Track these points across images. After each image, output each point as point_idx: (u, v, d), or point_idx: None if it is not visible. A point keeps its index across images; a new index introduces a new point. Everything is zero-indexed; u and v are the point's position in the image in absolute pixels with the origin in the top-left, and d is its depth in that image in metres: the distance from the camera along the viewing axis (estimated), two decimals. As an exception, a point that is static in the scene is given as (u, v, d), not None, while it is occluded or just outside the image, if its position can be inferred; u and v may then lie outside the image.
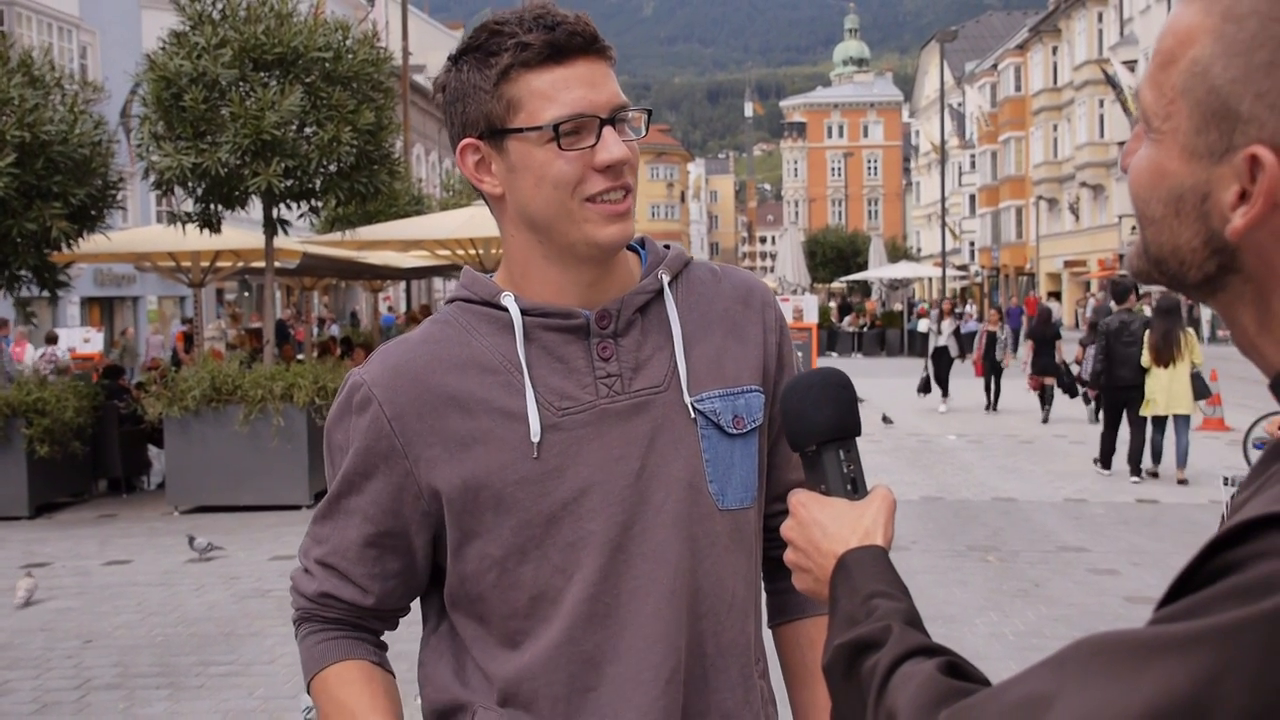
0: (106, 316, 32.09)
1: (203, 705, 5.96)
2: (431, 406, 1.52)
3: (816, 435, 1.30)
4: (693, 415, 1.56)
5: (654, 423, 1.55)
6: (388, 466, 1.54)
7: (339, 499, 1.59)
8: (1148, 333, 12.03)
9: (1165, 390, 11.86)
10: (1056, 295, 53.44)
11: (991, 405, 19.39)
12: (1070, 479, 12.64)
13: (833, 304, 45.45)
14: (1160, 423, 12.30)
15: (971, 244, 74.61)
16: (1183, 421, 12.08)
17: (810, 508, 1.25)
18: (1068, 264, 58.21)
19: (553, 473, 1.51)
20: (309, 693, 1.63)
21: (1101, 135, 53.87)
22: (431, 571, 1.63)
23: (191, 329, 22.59)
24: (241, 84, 11.13)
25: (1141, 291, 20.61)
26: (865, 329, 37.73)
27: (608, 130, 1.47)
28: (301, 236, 17.31)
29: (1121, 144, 39.69)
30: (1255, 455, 12.06)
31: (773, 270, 30.99)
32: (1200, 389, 12.22)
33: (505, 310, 1.55)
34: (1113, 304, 13.58)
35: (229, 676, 6.39)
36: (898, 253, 64.69)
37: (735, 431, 1.59)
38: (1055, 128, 60.39)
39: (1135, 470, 12.44)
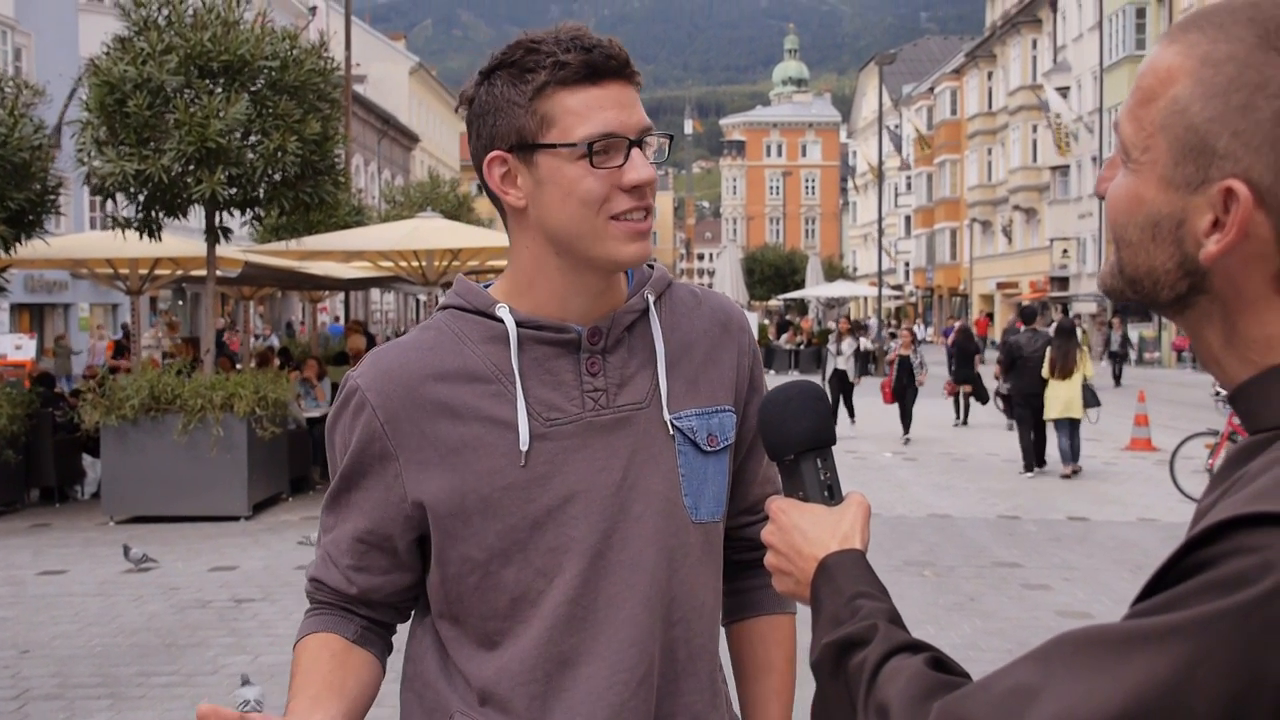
0: (37, 323, 31.55)
1: (144, 716, 5.92)
2: (423, 411, 1.58)
3: (795, 445, 1.37)
4: (671, 432, 1.64)
5: (635, 437, 1.61)
6: (380, 468, 1.60)
7: (339, 494, 1.66)
8: (1049, 349, 14.16)
9: (1063, 399, 13.94)
10: (990, 316, 54.18)
11: (907, 432, 18.13)
12: (1004, 496, 12.86)
13: (767, 321, 45.69)
14: (1056, 425, 14.25)
15: (907, 264, 75.45)
16: (1076, 424, 14.17)
17: (790, 514, 1.30)
18: (1000, 285, 59.02)
19: (539, 480, 1.57)
20: None
21: (1035, 160, 54.74)
22: (420, 575, 1.69)
23: (127, 339, 22.30)
24: (187, 91, 11.04)
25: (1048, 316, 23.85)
26: (802, 347, 38.01)
27: (636, 151, 1.53)
28: (242, 245, 17.18)
29: (1054, 169, 40.28)
30: (1183, 466, 12.42)
31: (711, 287, 31.10)
32: (1089, 399, 14.31)
33: (499, 321, 1.61)
34: (1020, 324, 15.77)
35: (171, 687, 6.35)
36: (834, 272, 65.18)
37: (709, 449, 1.67)
38: (990, 151, 61.28)
39: (1033, 465, 14.56)
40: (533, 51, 1.52)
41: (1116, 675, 0.85)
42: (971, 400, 20.13)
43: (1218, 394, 16.41)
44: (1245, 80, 0.96)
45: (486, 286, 1.69)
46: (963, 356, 20.08)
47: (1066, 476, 14.12)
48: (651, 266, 1.74)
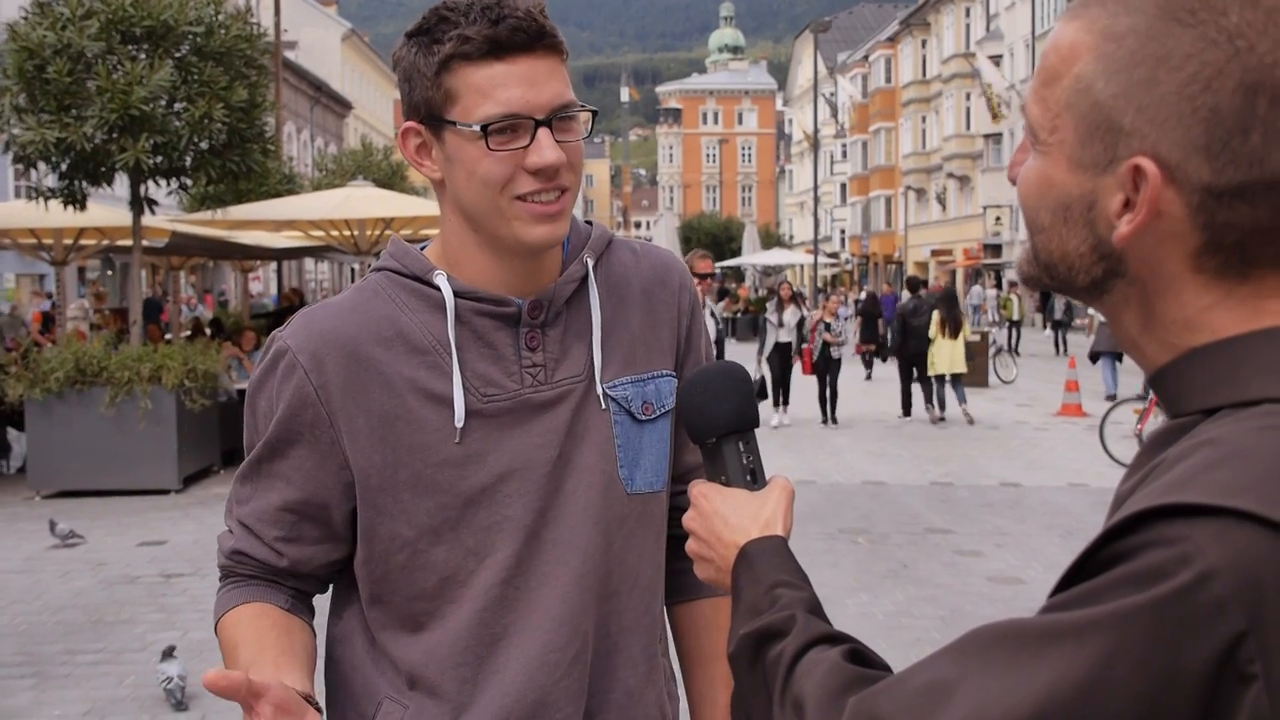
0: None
1: (70, 694, 5.82)
2: (356, 378, 1.52)
3: (717, 428, 1.33)
4: (604, 405, 1.59)
5: (572, 411, 1.57)
6: (312, 435, 1.54)
7: (260, 463, 1.58)
8: (935, 313, 16.25)
9: (948, 356, 16.12)
10: (924, 283, 54.58)
11: (829, 418, 16.38)
12: (937, 463, 12.98)
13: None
14: (941, 380, 16.47)
15: (842, 231, 75.83)
16: (959, 378, 16.49)
17: (711, 499, 1.27)
18: (935, 253, 59.48)
19: (474, 457, 1.52)
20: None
21: (968, 128, 55.12)
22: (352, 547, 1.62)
23: (53, 309, 21.86)
24: (109, 57, 10.80)
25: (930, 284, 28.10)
26: (739, 315, 38.10)
27: (542, 132, 1.46)
28: (170, 215, 16.88)
29: (987, 137, 40.59)
30: (1113, 431, 12.64)
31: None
32: (970, 355, 16.93)
33: (437, 289, 1.55)
34: (906, 293, 19.13)
35: (98, 665, 6.24)
36: (771, 239, 65.43)
37: (644, 417, 1.63)
38: (924, 119, 61.60)
39: (921, 409, 16.87)
40: (442, 20, 1.46)
41: (1032, 672, 0.83)
42: (874, 357, 23.76)
43: None
44: (1147, 53, 0.93)
45: (422, 248, 1.63)
46: (868, 319, 23.73)
47: (965, 422, 16.34)
48: (590, 224, 1.69)
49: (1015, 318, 29.97)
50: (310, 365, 1.52)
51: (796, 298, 17.13)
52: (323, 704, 1.52)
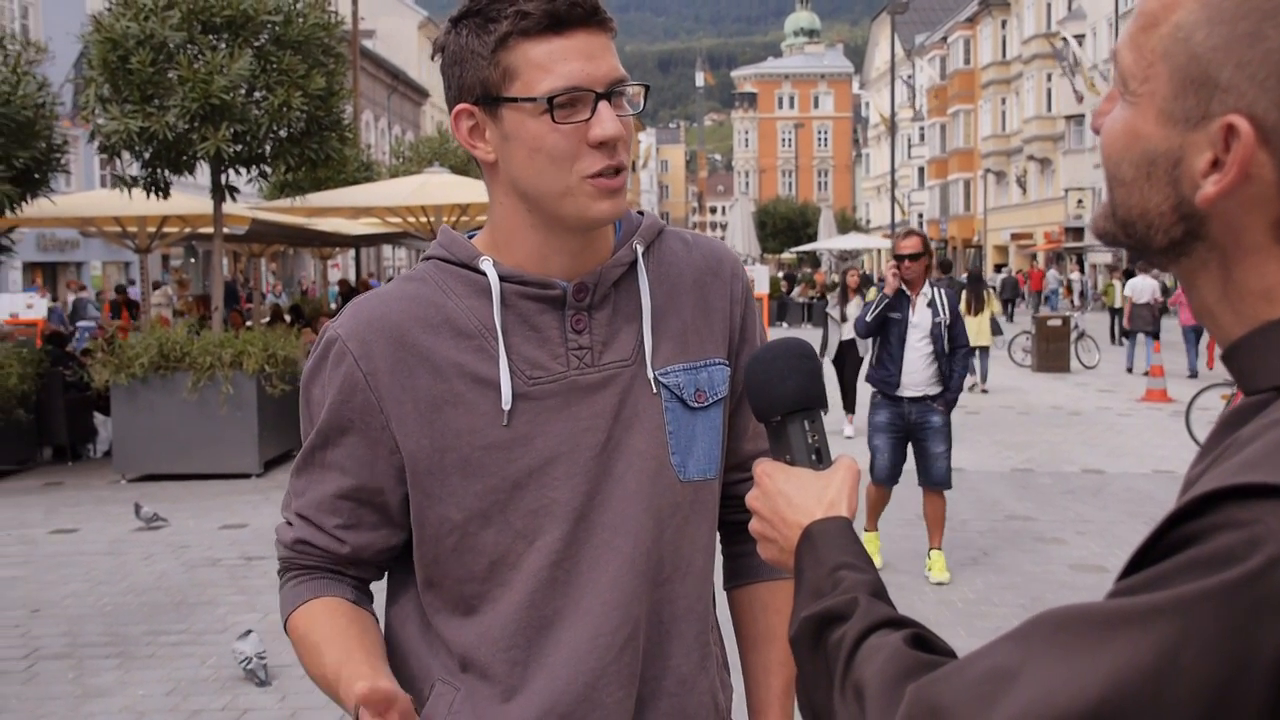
0: (50, 281, 31.59)
1: (154, 674, 5.92)
2: (404, 364, 1.53)
3: (782, 406, 1.30)
4: (656, 390, 1.58)
5: (620, 396, 1.56)
6: (363, 421, 1.54)
7: (314, 452, 1.60)
8: (963, 292, 17.39)
9: (974, 330, 16.66)
10: (1002, 266, 53.91)
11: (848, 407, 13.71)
12: (1018, 450, 12.80)
13: (780, 274, 45.56)
14: (971, 352, 16.76)
15: (920, 216, 75.07)
16: (984, 351, 17.87)
17: (775, 478, 1.25)
18: (1014, 236, 58.74)
19: (520, 440, 1.52)
20: (287, 636, 1.63)
21: (1049, 109, 54.30)
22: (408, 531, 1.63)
23: (121, 298, 22.29)
24: (190, 46, 10.95)
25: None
26: (815, 300, 37.91)
27: (603, 105, 1.46)
28: (250, 202, 17.12)
29: (1069, 118, 39.86)
30: (1199, 417, 12.37)
31: (724, 240, 31.01)
32: (995, 329, 18.33)
33: (483, 274, 1.55)
34: (940, 275, 19.76)
35: (180, 645, 6.35)
36: (847, 224, 64.90)
37: (697, 405, 1.62)
38: (1004, 101, 60.80)
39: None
40: (495, 1, 1.46)
41: (1096, 658, 0.80)
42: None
43: None
44: (1253, 6, 0.88)
45: (471, 236, 1.64)
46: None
47: (978, 390, 17.93)
48: (641, 214, 1.68)
49: (1116, 305, 26.47)
50: (359, 352, 1.53)
51: (865, 286, 14.57)
52: None
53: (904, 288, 7.40)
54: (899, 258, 7.33)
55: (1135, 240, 0.98)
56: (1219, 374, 20.46)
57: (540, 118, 1.45)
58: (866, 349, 9.51)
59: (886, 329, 7.40)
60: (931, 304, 7.37)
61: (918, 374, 7.33)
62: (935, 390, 7.35)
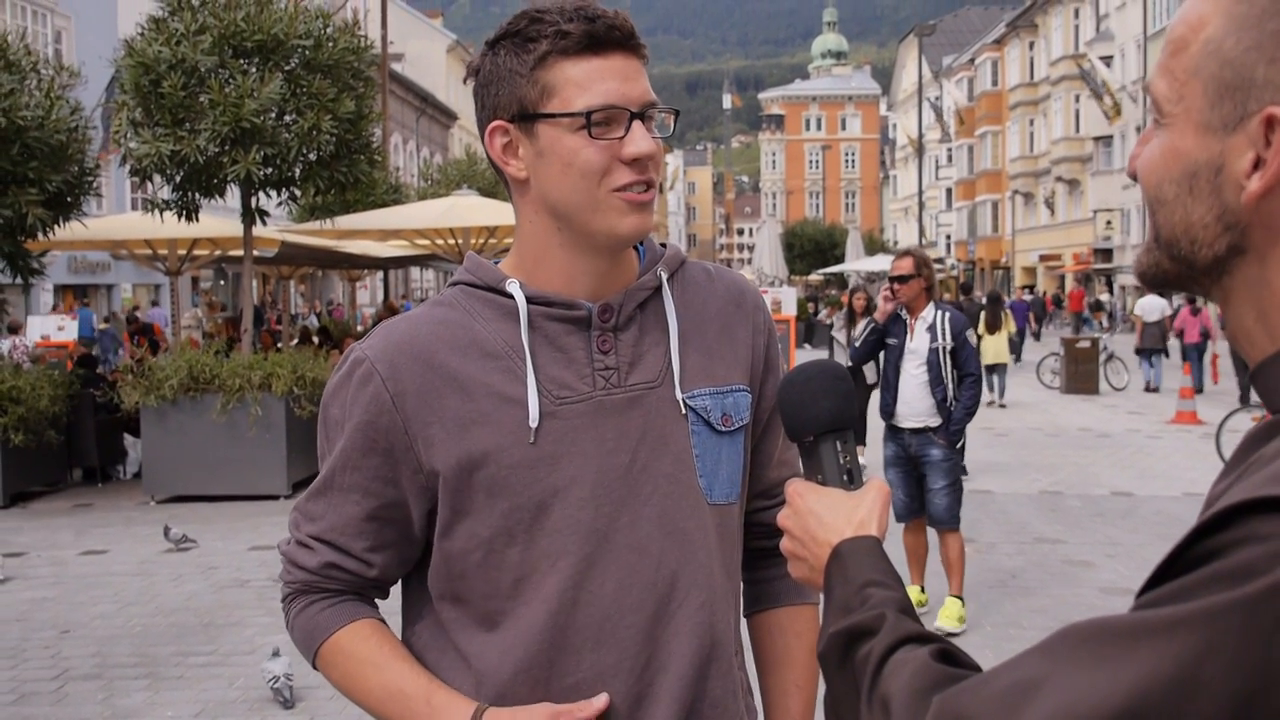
0: (81, 304, 31.86)
1: (182, 695, 5.94)
2: (432, 386, 1.54)
3: (815, 426, 1.32)
4: (684, 411, 1.60)
5: (646, 417, 1.58)
6: (388, 441, 1.56)
7: (335, 475, 1.61)
8: (982, 313, 18.91)
9: (993, 350, 18.52)
10: (1031, 288, 53.70)
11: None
12: (1046, 472, 12.72)
13: (804, 296, 45.50)
14: (989, 369, 18.69)
15: (948, 237, 74.88)
16: (1002, 368, 19.20)
17: (807, 497, 1.27)
18: (1043, 258, 58.52)
19: (547, 459, 1.54)
20: (314, 661, 1.64)
21: (1077, 130, 54.13)
22: (424, 547, 1.64)
23: (135, 326, 22.42)
24: (221, 71, 11.06)
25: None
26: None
27: (637, 124, 1.50)
28: (279, 225, 17.24)
29: (1097, 139, 39.89)
30: (1229, 440, 12.26)
31: (750, 262, 31.02)
32: (1014, 349, 20.26)
33: (510, 297, 1.57)
34: (962, 296, 23.29)
35: (209, 667, 6.37)
36: (875, 245, 64.77)
37: (724, 429, 1.63)
38: (1031, 122, 60.68)
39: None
40: (536, 21, 1.51)
41: (1119, 669, 0.81)
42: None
43: None
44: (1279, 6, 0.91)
45: (497, 263, 1.66)
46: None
47: (996, 406, 18.93)
48: (664, 246, 1.70)
49: None
50: (387, 373, 1.55)
51: (871, 309, 12.59)
52: None
53: (902, 312, 6.93)
54: (891, 280, 6.84)
55: (1180, 260, 0.99)
56: (1224, 389, 20.39)
57: (577, 133, 1.49)
58: (873, 375, 9.50)
59: (886, 355, 6.99)
60: (931, 328, 6.81)
61: (915, 403, 6.85)
62: (936, 421, 6.84)
